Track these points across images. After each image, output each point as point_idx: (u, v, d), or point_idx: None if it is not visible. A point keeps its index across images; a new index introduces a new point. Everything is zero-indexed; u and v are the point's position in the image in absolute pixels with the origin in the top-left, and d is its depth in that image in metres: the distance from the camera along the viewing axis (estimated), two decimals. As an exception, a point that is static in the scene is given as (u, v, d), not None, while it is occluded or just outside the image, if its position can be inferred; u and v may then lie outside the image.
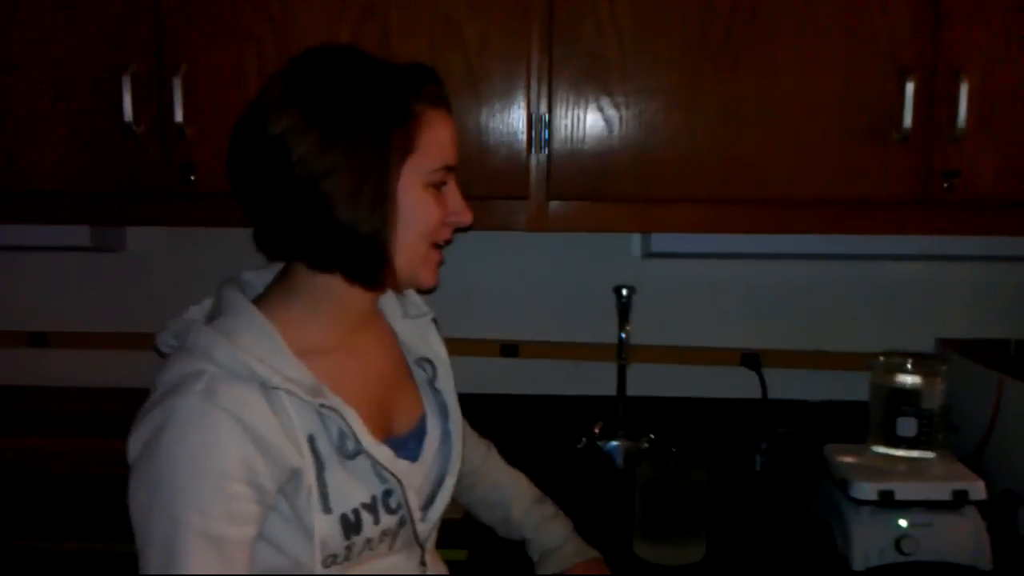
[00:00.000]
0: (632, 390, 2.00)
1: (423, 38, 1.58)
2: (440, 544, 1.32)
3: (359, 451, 1.11)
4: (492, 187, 1.62)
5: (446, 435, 1.28)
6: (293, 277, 1.15)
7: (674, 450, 1.61)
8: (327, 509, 1.08)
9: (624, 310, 1.96)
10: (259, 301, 1.15)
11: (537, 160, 1.63)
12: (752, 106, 1.59)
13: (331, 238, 1.07)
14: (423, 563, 1.23)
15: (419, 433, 1.25)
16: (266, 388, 1.04)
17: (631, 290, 1.96)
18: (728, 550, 1.59)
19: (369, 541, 1.13)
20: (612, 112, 1.60)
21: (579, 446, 2.01)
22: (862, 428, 1.67)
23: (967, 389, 1.81)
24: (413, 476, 1.19)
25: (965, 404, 1.80)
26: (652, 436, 2.01)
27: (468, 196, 1.18)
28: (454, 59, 1.59)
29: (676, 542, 1.55)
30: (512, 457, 1.56)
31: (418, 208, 1.11)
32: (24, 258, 2.12)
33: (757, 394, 2.00)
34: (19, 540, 1.62)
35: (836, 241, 1.86)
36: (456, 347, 1.37)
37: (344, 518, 1.09)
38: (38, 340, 2.14)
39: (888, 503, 1.52)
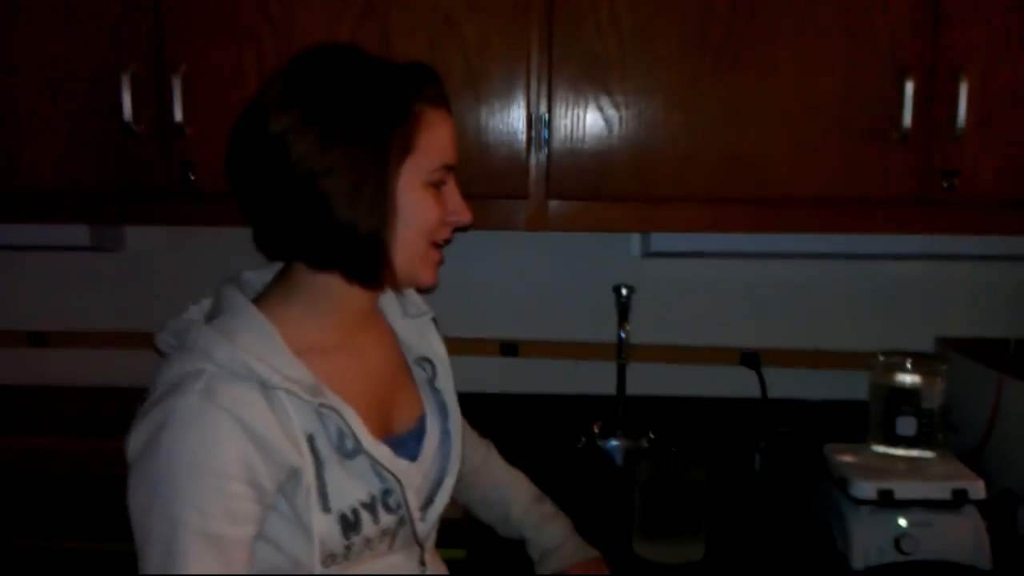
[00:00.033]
0: (632, 389, 2.00)
1: (423, 38, 1.58)
2: (440, 543, 1.32)
3: (358, 450, 1.11)
4: (492, 186, 1.62)
5: (445, 434, 1.28)
6: (292, 276, 1.15)
7: (674, 449, 1.61)
8: (326, 508, 1.08)
9: (624, 309, 1.96)
10: (258, 300, 1.15)
11: (537, 159, 1.63)
12: (752, 106, 1.59)
13: (330, 237, 1.07)
14: (422, 562, 1.23)
15: (418, 432, 1.25)
16: (265, 387, 1.04)
17: (630, 289, 1.96)
18: (728, 549, 1.59)
19: (368, 540, 1.13)
20: (612, 112, 1.60)
21: (579, 445, 2.01)
22: (862, 427, 1.67)
23: (967, 388, 1.81)
24: (412, 475, 1.19)
25: (965, 403, 1.80)
26: (652, 435, 2.01)
27: (468, 195, 1.18)
28: (454, 59, 1.59)
29: (676, 541, 1.55)
30: (512, 456, 1.56)
31: (417, 207, 1.11)
32: (24, 257, 2.12)
33: (757, 393, 2.00)
34: (19, 539, 1.62)
35: (836, 240, 1.86)
36: (456, 346, 1.37)
37: (343, 517, 1.09)
38: (38, 340, 2.14)
39: (888, 502, 1.52)
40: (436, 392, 1.31)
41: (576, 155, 1.61)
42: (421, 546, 1.22)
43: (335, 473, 1.09)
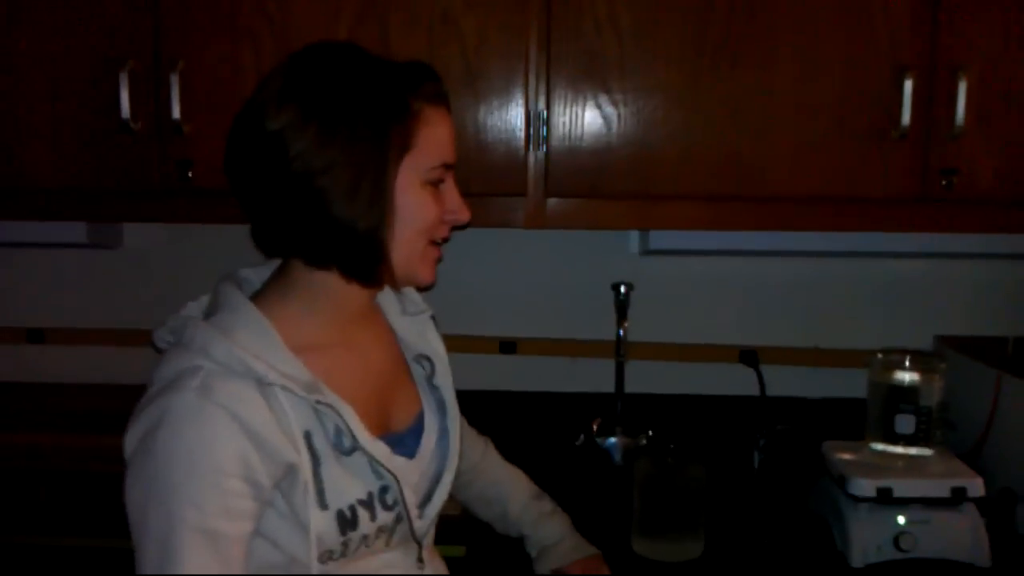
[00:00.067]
0: (630, 387, 2.00)
1: (421, 36, 1.58)
2: (438, 540, 1.32)
3: (356, 447, 1.10)
4: (490, 184, 1.62)
5: (444, 432, 1.28)
6: (290, 274, 1.14)
7: (672, 447, 1.61)
8: (323, 505, 1.08)
9: (622, 307, 1.96)
10: (256, 297, 1.14)
11: (535, 157, 1.63)
12: (751, 104, 1.59)
13: (328, 234, 1.07)
14: (420, 560, 1.23)
15: (417, 430, 1.25)
16: (262, 384, 1.04)
17: (629, 287, 1.96)
18: (726, 547, 1.59)
19: (365, 537, 1.13)
20: (610, 109, 1.60)
21: (577, 443, 2.01)
22: (860, 425, 1.67)
23: (965, 386, 1.81)
24: (410, 473, 1.19)
25: (963, 401, 1.80)
26: (650, 433, 2.01)
27: (466, 193, 1.18)
28: (452, 56, 1.58)
29: (674, 538, 1.55)
30: (510, 454, 1.56)
31: (416, 205, 1.11)
32: (21, 254, 2.12)
33: (755, 391, 2.00)
34: (19, 536, 1.62)
35: (834, 238, 1.86)
36: (454, 344, 1.37)
37: (340, 514, 1.09)
38: (35, 336, 2.14)
39: (886, 500, 1.52)
40: (435, 389, 1.31)
41: (575, 153, 1.61)
42: (419, 543, 1.22)
43: (332, 470, 1.09)
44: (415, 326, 1.32)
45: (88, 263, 2.12)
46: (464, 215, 1.18)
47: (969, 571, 1.52)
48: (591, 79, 1.60)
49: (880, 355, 1.64)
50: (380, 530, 1.14)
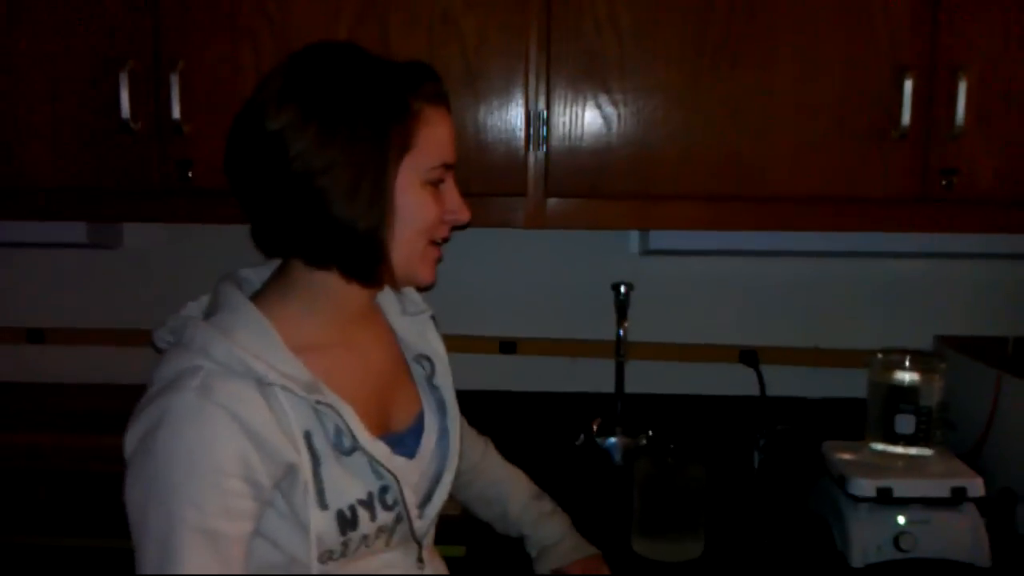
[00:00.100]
0: (630, 387, 2.00)
1: (421, 36, 1.58)
2: (438, 540, 1.32)
3: (355, 447, 1.10)
4: (490, 184, 1.62)
5: (444, 432, 1.28)
6: (290, 274, 1.14)
7: (672, 447, 1.61)
8: (323, 505, 1.08)
9: (622, 307, 1.96)
10: (256, 297, 1.14)
11: (535, 157, 1.63)
12: (751, 104, 1.59)
13: (328, 234, 1.07)
14: (420, 560, 1.23)
15: (417, 430, 1.25)
16: (262, 384, 1.04)
17: (629, 287, 1.96)
18: (726, 547, 1.59)
19: (365, 537, 1.12)
20: (610, 109, 1.60)
21: (577, 443, 2.01)
22: (860, 425, 1.67)
23: (965, 387, 1.81)
24: (410, 473, 1.19)
25: (963, 401, 1.80)
26: (650, 433, 2.01)
27: (466, 193, 1.18)
28: (452, 56, 1.58)
29: (674, 539, 1.55)
30: (510, 454, 1.56)
31: (416, 206, 1.11)
32: (21, 254, 2.12)
33: (755, 391, 2.00)
34: (19, 536, 1.62)
35: (835, 238, 1.86)
36: (454, 344, 1.37)
37: (340, 514, 1.09)
38: (35, 336, 2.14)
39: (886, 500, 1.52)
40: (435, 389, 1.31)
41: (575, 153, 1.61)
42: (419, 543, 1.22)
43: (332, 470, 1.09)
44: (415, 326, 1.32)
45: (88, 263, 2.12)
46: (464, 215, 1.18)
47: (969, 571, 1.52)
48: (591, 79, 1.60)
49: (880, 355, 1.64)
50: (380, 530, 1.14)
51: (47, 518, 1.68)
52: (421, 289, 1.29)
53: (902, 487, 1.52)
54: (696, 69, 1.58)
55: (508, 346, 2.10)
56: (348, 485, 1.10)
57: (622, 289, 1.95)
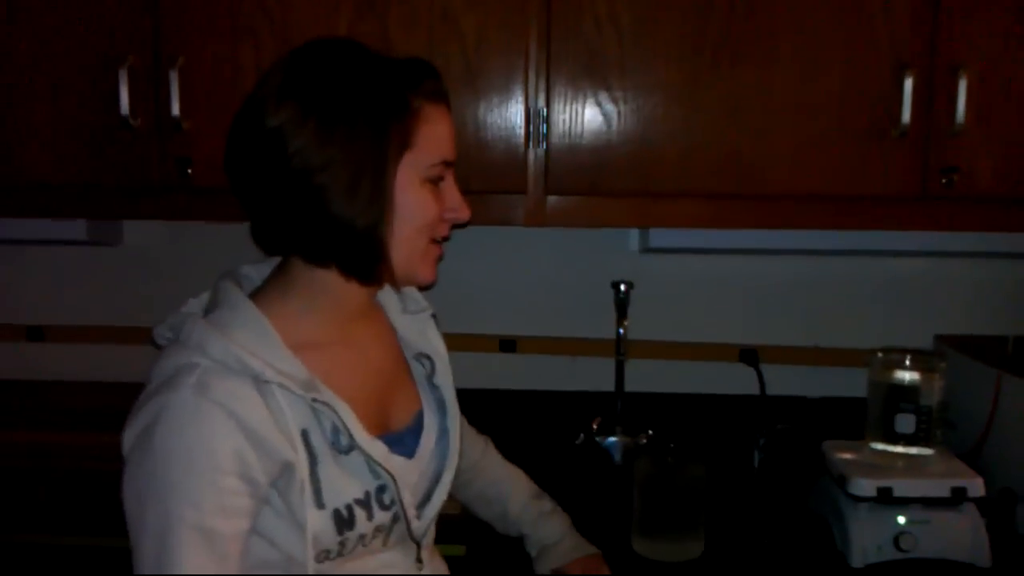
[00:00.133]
0: (630, 386, 2.00)
1: (421, 33, 1.58)
2: (438, 539, 1.31)
3: (353, 446, 1.10)
4: (490, 182, 1.62)
5: (444, 431, 1.28)
6: (290, 271, 1.14)
7: (672, 446, 1.61)
8: (320, 504, 1.08)
9: (622, 305, 1.96)
10: (256, 295, 1.14)
11: (535, 155, 1.63)
12: (751, 102, 1.59)
13: (327, 232, 1.07)
14: (419, 560, 1.23)
15: (416, 429, 1.24)
16: (259, 382, 1.03)
17: (629, 285, 1.95)
18: (726, 546, 1.59)
19: (362, 537, 1.12)
20: (610, 107, 1.60)
21: (577, 442, 2.01)
22: (860, 424, 1.66)
23: (966, 386, 1.81)
24: (408, 472, 1.19)
25: (963, 401, 1.80)
26: (650, 432, 2.01)
27: (466, 191, 1.18)
28: (452, 54, 1.58)
29: (674, 538, 1.55)
30: (510, 453, 1.56)
31: (415, 203, 1.11)
32: (20, 251, 2.11)
33: (755, 390, 2.00)
34: (19, 535, 1.62)
35: (835, 237, 1.85)
36: (454, 342, 1.36)
37: (337, 513, 1.09)
38: (35, 334, 2.14)
39: (886, 500, 1.52)
40: (435, 388, 1.30)
41: (575, 151, 1.61)
42: (417, 543, 1.22)
43: (329, 469, 1.09)
44: (416, 324, 1.32)
45: (88, 260, 2.11)
46: (464, 213, 1.17)
47: (969, 571, 1.51)
48: (591, 77, 1.59)
49: (880, 354, 1.63)
50: (377, 530, 1.14)
51: (47, 517, 1.68)
52: (421, 287, 1.29)
53: (902, 487, 1.52)
54: (696, 67, 1.58)
55: (508, 344, 2.10)
56: (345, 484, 1.10)
57: (622, 287, 1.95)
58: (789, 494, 1.79)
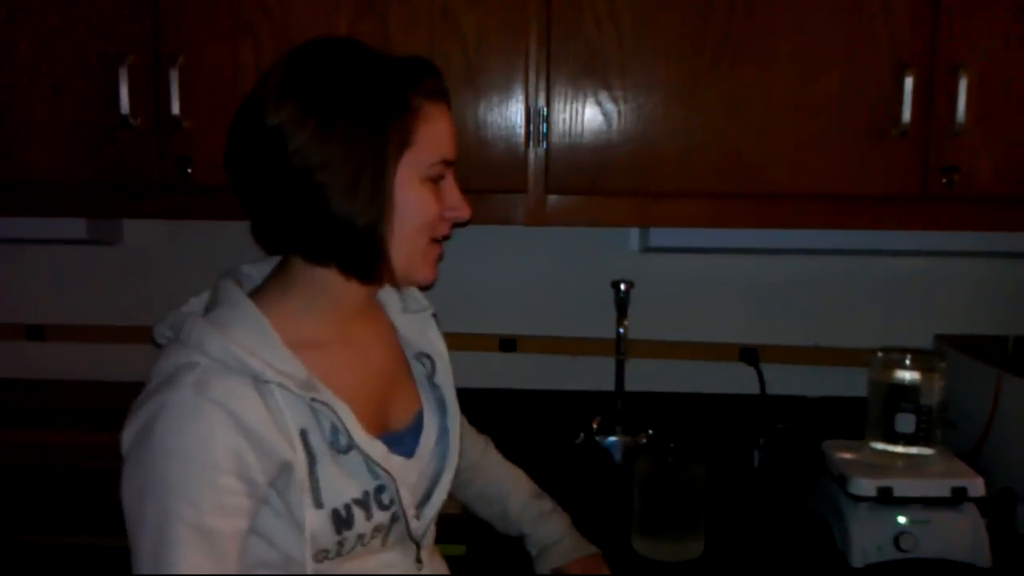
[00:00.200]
0: (630, 385, 2.00)
1: (421, 32, 1.58)
2: (438, 539, 1.31)
3: (352, 446, 1.10)
4: (490, 181, 1.62)
5: (444, 431, 1.28)
6: (290, 270, 1.14)
7: (672, 446, 1.61)
8: (318, 504, 1.08)
9: (622, 305, 1.96)
10: (256, 294, 1.14)
11: (535, 154, 1.63)
12: (752, 102, 1.59)
13: (327, 230, 1.07)
14: (419, 560, 1.23)
15: (416, 429, 1.24)
16: (258, 381, 1.03)
17: (629, 285, 1.95)
18: (726, 546, 1.59)
19: (361, 537, 1.12)
20: (611, 106, 1.60)
21: (577, 441, 2.01)
22: (860, 424, 1.66)
23: (966, 386, 1.81)
24: (408, 472, 1.19)
25: (963, 400, 1.80)
26: (650, 431, 2.01)
27: (466, 190, 1.18)
28: (452, 53, 1.58)
29: (675, 538, 1.55)
30: (510, 452, 1.56)
31: (415, 202, 1.10)
32: (20, 250, 2.11)
33: (755, 390, 2.00)
34: (19, 534, 1.62)
35: (835, 236, 1.85)
36: (454, 341, 1.36)
37: (335, 513, 1.09)
38: (35, 333, 2.14)
39: (887, 499, 1.51)
40: (435, 388, 1.30)
41: (575, 150, 1.61)
42: (417, 543, 1.21)
43: (328, 469, 1.09)
44: (416, 324, 1.32)
45: (88, 259, 2.11)
46: (465, 212, 1.17)
47: (969, 571, 1.51)
48: (591, 76, 1.59)
49: (880, 354, 1.63)
50: (376, 530, 1.14)
51: (47, 516, 1.67)
52: (421, 288, 1.29)
53: (902, 487, 1.52)
54: (696, 67, 1.58)
55: (508, 344, 2.09)
56: (344, 484, 1.10)
57: (622, 287, 1.95)
58: (789, 494, 1.79)
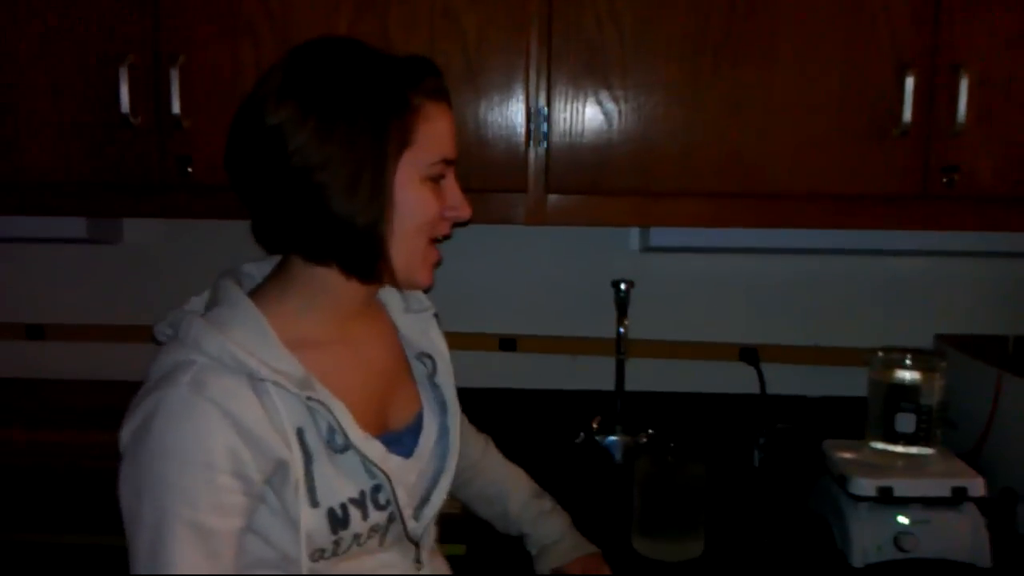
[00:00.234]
0: (630, 385, 2.00)
1: (422, 31, 1.58)
2: (439, 539, 1.31)
3: (348, 445, 1.10)
4: (490, 180, 1.61)
5: (444, 431, 1.28)
6: (290, 269, 1.14)
7: (672, 445, 1.61)
8: (314, 503, 1.07)
9: (622, 304, 1.96)
10: (255, 293, 1.14)
11: (536, 153, 1.63)
12: (752, 101, 1.58)
13: (327, 230, 1.07)
14: (418, 560, 1.22)
15: (415, 428, 1.24)
16: (255, 380, 1.03)
17: (630, 284, 1.95)
18: (726, 546, 1.59)
19: (357, 536, 1.12)
20: (611, 106, 1.59)
21: (577, 441, 2.01)
22: (861, 424, 1.66)
23: (966, 385, 1.81)
24: (407, 472, 1.19)
25: (964, 400, 1.80)
26: (650, 431, 2.01)
27: (466, 189, 1.17)
28: (453, 52, 1.58)
29: (675, 538, 1.55)
30: (510, 452, 1.56)
31: (415, 201, 1.10)
32: (20, 249, 2.11)
33: (756, 389, 1.99)
34: (18, 533, 1.61)
35: (835, 236, 1.85)
36: (454, 341, 1.36)
37: (331, 512, 1.09)
38: (35, 332, 2.13)
39: (887, 499, 1.51)
40: (435, 388, 1.30)
41: (575, 149, 1.61)
42: (416, 544, 1.21)
43: (324, 468, 1.09)
44: (418, 323, 1.32)
45: (88, 258, 2.11)
46: (465, 211, 1.17)
47: (970, 571, 1.51)
48: (592, 75, 1.59)
49: (881, 353, 1.63)
50: (372, 530, 1.14)
51: (47, 515, 1.67)
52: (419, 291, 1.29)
53: (902, 486, 1.52)
54: (697, 66, 1.58)
55: (508, 343, 2.09)
56: (340, 483, 1.10)
57: (622, 286, 1.95)
58: (789, 494, 1.79)
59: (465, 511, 1.55)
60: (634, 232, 2.06)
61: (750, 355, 2.04)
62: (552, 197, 1.64)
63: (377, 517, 1.13)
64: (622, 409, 2.00)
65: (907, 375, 1.59)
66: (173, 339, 1.07)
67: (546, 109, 1.60)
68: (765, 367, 2.01)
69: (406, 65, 1.11)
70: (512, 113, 1.60)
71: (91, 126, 1.61)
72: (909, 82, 1.54)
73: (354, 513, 1.11)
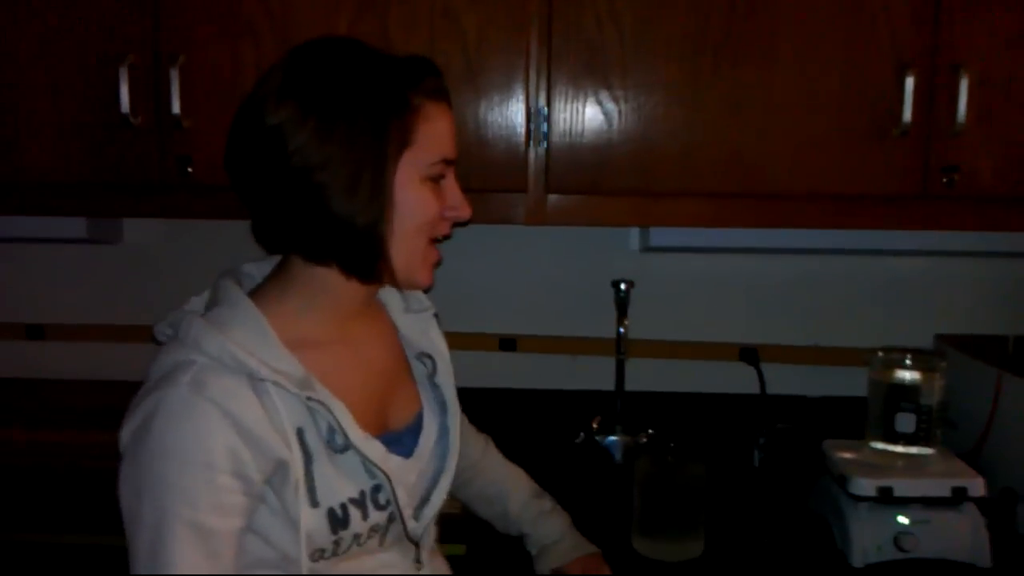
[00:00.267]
0: (630, 385, 2.00)
1: (422, 31, 1.58)
2: (439, 539, 1.31)
3: (348, 445, 1.10)
4: (490, 180, 1.61)
5: (444, 431, 1.28)
6: (290, 269, 1.14)
7: (672, 445, 1.61)
8: (314, 503, 1.07)
9: (623, 304, 1.96)
10: (255, 293, 1.14)
11: (536, 153, 1.63)
12: (752, 101, 1.58)
13: (327, 230, 1.07)
14: (418, 561, 1.22)
15: (415, 428, 1.24)
16: (255, 380, 1.03)
17: (630, 284, 1.95)
18: (726, 546, 1.59)
19: (357, 536, 1.12)
20: (611, 106, 1.59)
21: (577, 441, 2.01)
22: (861, 424, 1.66)
23: (966, 385, 1.81)
24: (407, 472, 1.19)
25: (964, 400, 1.80)
26: (650, 431, 2.01)
27: (466, 189, 1.17)
28: (453, 52, 1.58)
29: (675, 538, 1.55)
30: (510, 452, 1.56)
31: (415, 201, 1.10)
32: (20, 249, 2.11)
33: (756, 389, 1.99)
34: (18, 533, 1.61)
35: (835, 236, 1.85)
36: (454, 341, 1.36)
37: (331, 512, 1.09)
38: (35, 332, 2.13)
39: (887, 499, 1.51)
40: (435, 388, 1.30)
41: (575, 149, 1.61)
42: (416, 544, 1.21)
43: (324, 468, 1.09)
44: (418, 324, 1.32)
45: (88, 258, 2.11)
46: (465, 211, 1.17)
47: (970, 571, 1.51)
48: (592, 75, 1.59)
49: (881, 353, 1.63)
50: (372, 530, 1.14)
51: (47, 515, 1.67)
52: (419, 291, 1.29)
53: (902, 486, 1.52)
54: (697, 66, 1.58)
55: (508, 343, 2.09)
56: (340, 483, 1.10)
57: (622, 286, 1.95)
58: (789, 494, 1.79)
59: (465, 511, 1.55)
60: (634, 232, 2.06)
61: (750, 355, 2.04)
62: (552, 197, 1.64)
63: (377, 517, 1.13)
64: (622, 409, 2.00)
65: (907, 375, 1.59)
66: (173, 339, 1.07)
67: (546, 109, 1.60)
68: (765, 367, 2.01)
69: (406, 65, 1.11)
70: (512, 113, 1.60)
71: (91, 126, 1.61)
72: (909, 82, 1.54)
73: (354, 513, 1.11)
